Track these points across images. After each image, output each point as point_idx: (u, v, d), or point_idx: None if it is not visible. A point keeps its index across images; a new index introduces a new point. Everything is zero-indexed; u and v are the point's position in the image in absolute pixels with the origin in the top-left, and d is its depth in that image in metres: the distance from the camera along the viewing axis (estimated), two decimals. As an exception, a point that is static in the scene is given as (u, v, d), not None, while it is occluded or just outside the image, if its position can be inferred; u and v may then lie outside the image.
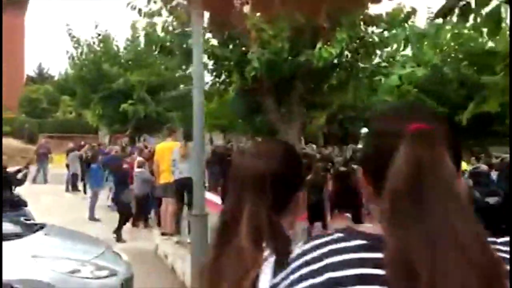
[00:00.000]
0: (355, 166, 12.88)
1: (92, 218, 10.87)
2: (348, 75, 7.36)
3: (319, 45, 6.24)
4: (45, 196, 13.35)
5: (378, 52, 7.36)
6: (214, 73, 7.99)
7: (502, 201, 6.00)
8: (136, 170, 10.49)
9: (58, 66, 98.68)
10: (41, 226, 4.75)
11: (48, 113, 37.51)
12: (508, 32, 7.18)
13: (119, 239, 8.65)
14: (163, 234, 8.23)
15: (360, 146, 18.47)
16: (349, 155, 14.47)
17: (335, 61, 7.15)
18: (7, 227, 4.46)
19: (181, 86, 20.37)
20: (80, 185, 15.86)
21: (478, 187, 6.25)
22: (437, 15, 2.91)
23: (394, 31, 7.01)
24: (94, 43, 19.05)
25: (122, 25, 23.11)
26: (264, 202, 1.06)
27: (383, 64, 7.19)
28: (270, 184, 1.07)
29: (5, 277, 3.30)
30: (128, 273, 4.56)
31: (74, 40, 18.66)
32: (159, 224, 9.51)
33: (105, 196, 12.44)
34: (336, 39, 6.43)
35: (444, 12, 2.79)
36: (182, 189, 7.92)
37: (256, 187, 1.07)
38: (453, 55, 15.01)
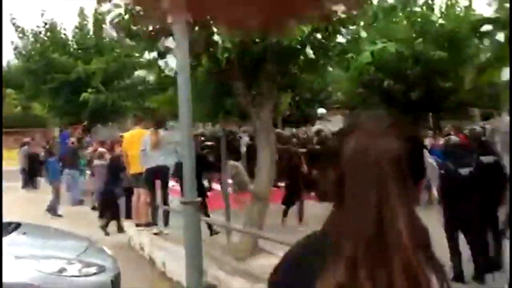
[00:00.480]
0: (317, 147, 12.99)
1: (54, 214, 10.42)
2: (318, 54, 7.29)
3: (291, 22, 6.10)
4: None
5: (344, 30, 7.28)
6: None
7: (474, 172, 6.13)
8: (96, 162, 10.14)
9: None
10: (16, 225, 4.45)
11: (-10, 108, 35.56)
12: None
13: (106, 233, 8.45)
14: (137, 225, 7.97)
15: (319, 127, 18.59)
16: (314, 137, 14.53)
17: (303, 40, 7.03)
18: (-21, 228, 4.15)
19: (136, 73, 19.75)
20: (34, 180, 15.23)
21: (451, 159, 6.38)
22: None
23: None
24: (40, 32, 18.08)
25: (69, 12, 22.06)
26: (410, 193, 0.87)
27: (352, 41, 7.15)
28: (408, 170, 0.88)
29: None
30: (115, 269, 4.36)
31: (19, 30, 17.63)
32: (128, 216, 9.26)
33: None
34: (307, 16, 6.32)
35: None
36: (154, 177, 7.71)
37: (398, 174, 0.87)
38: (407, 32, 15.36)
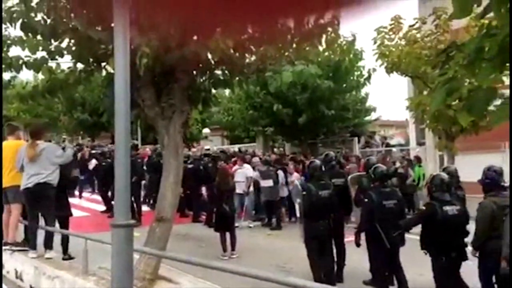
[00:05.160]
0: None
1: None
2: (233, 71, 7.01)
3: (217, 36, 5.74)
4: None
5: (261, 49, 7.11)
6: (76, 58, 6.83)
7: (332, 193, 6.98)
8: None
9: None
10: None
11: None
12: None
13: None
14: (5, 244, 6.78)
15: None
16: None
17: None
18: None
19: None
20: None
21: (314, 181, 7.00)
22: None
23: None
24: None
25: None
26: None
27: (269, 61, 7.00)
28: None
29: None
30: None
31: None
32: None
33: None
34: (229, 32, 6.02)
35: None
36: (35, 198, 6.70)
37: None
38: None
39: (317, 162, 7.57)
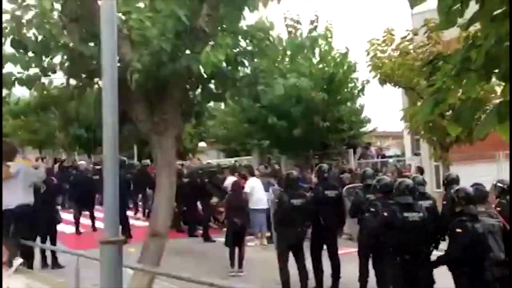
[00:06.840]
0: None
1: None
2: (225, 84, 7.01)
3: (207, 48, 5.76)
4: None
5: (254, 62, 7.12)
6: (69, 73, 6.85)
7: (306, 203, 7.18)
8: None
9: None
10: None
11: None
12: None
13: None
14: None
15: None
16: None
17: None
18: None
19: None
20: None
21: (288, 191, 7.28)
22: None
23: (268, 42, 6.91)
24: None
25: None
26: None
27: (262, 74, 7.00)
28: None
29: None
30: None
31: None
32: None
33: None
34: (220, 45, 6.04)
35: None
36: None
37: None
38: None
39: (294, 173, 8.02)
